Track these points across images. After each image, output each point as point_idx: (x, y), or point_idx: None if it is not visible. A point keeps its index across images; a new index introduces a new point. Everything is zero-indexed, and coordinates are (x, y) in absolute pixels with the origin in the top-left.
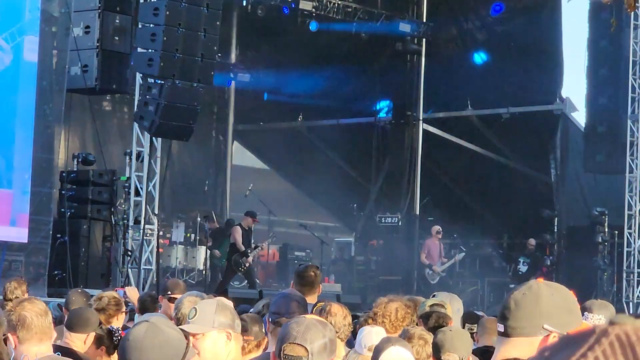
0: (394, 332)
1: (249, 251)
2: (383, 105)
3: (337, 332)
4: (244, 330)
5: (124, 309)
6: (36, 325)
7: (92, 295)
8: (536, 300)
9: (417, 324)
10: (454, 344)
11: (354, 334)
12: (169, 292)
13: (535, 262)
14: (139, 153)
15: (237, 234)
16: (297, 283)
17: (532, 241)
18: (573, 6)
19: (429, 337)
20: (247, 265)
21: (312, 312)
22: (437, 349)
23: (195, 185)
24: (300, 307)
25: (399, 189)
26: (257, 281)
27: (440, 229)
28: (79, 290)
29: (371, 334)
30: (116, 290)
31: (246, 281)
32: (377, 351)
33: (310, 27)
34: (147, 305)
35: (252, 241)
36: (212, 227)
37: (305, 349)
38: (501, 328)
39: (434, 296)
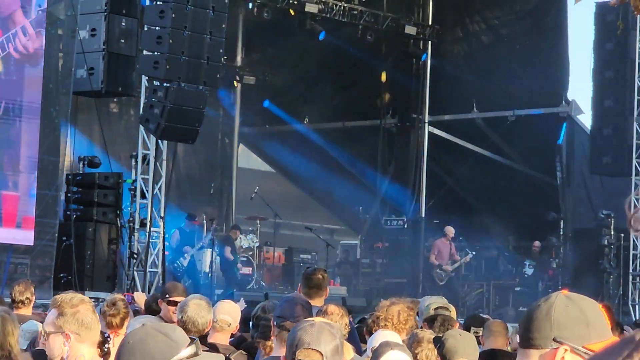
0: (398, 335)
1: None
2: (388, 108)
3: None
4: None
5: (131, 312)
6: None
7: (94, 299)
8: (547, 312)
9: (421, 327)
10: (466, 349)
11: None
12: (168, 295)
13: (541, 264)
14: (144, 156)
15: None
16: (304, 285)
17: (538, 244)
18: (579, 8)
19: None
20: None
21: (316, 315)
22: (449, 354)
23: (201, 188)
24: (304, 310)
25: (405, 191)
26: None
27: (453, 230)
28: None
29: (385, 338)
30: (125, 296)
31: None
32: (376, 355)
33: (319, 37)
34: (153, 309)
35: None
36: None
37: (320, 353)
38: (518, 338)
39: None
